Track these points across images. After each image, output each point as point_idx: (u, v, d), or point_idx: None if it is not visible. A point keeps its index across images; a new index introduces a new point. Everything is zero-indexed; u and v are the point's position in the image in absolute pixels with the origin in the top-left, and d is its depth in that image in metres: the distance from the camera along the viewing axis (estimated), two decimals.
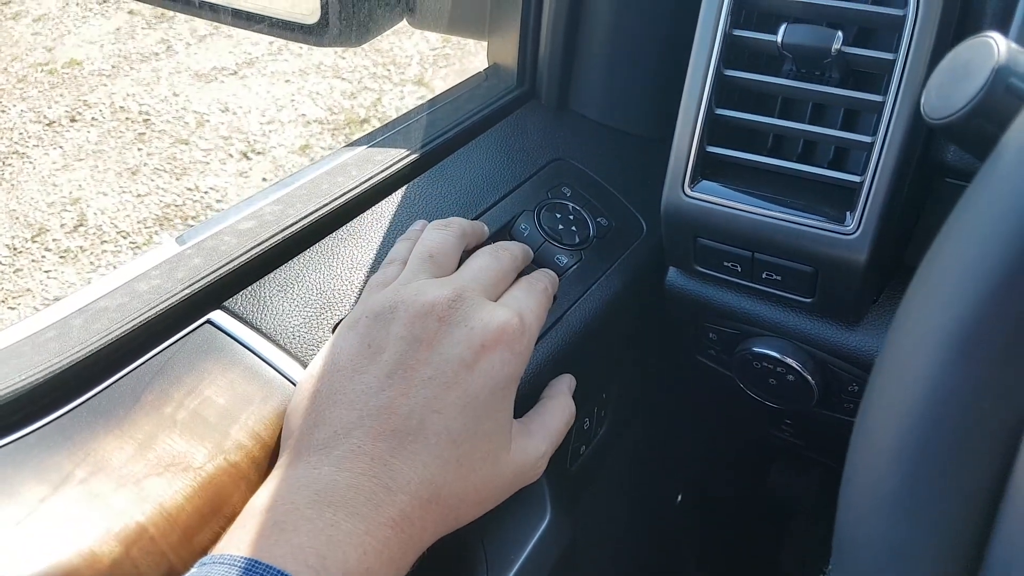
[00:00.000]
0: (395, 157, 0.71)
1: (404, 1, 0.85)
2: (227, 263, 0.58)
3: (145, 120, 3.77)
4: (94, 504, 0.46)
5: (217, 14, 0.81)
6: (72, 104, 4.02)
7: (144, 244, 3.12)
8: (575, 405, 0.60)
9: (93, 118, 3.89)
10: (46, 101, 4.07)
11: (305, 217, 0.63)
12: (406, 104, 3.80)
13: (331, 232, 0.64)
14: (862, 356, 0.63)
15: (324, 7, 0.76)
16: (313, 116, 3.68)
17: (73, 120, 3.92)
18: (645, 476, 0.93)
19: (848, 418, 0.69)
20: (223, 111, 3.73)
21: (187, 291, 0.56)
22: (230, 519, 0.49)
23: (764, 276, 0.62)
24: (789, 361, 0.66)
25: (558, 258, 0.67)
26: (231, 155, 3.48)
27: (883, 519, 0.30)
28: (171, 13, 4.54)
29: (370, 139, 0.74)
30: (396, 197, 0.68)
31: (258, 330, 0.56)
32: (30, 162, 3.70)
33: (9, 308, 3.05)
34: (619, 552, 0.91)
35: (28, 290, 3.07)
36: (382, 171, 0.69)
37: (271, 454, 0.51)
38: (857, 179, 0.57)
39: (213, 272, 0.58)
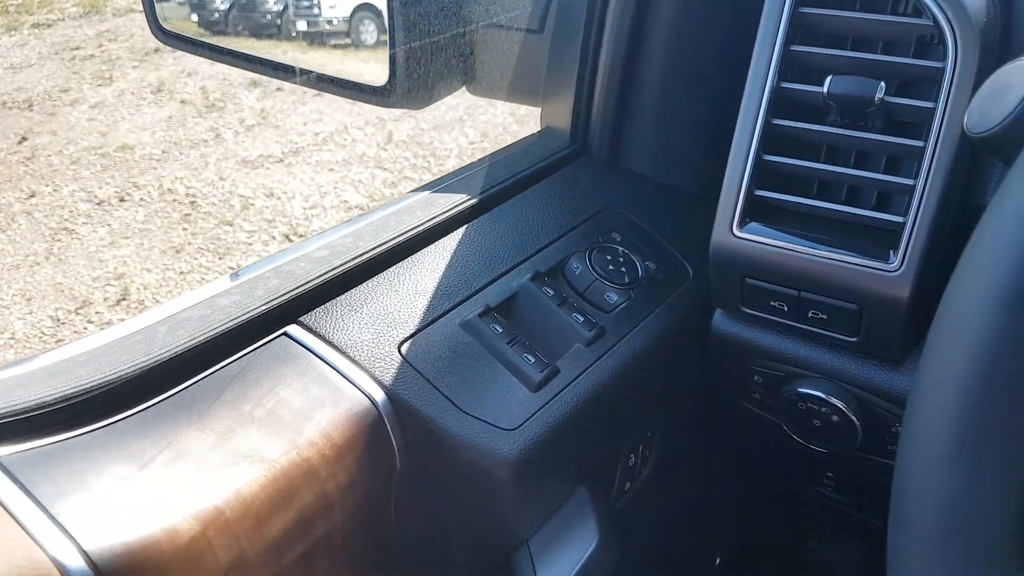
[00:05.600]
0: (455, 201, 0.75)
1: (463, 71, 0.92)
2: (303, 284, 0.62)
3: (192, 202, 3.92)
4: (176, 486, 0.48)
5: (291, 75, 0.88)
6: (122, 185, 4.19)
7: None
8: (622, 439, 0.61)
9: (141, 199, 4.04)
10: (97, 182, 4.25)
11: (375, 248, 0.67)
12: None
13: (398, 262, 0.68)
14: (905, 396, 0.65)
15: (392, 73, 0.82)
16: (355, 202, 3.81)
17: (122, 200, 4.08)
18: (686, 533, 0.93)
19: (891, 462, 0.70)
20: (268, 196, 3.87)
21: (265, 307, 0.60)
22: (299, 512, 0.51)
23: (810, 315, 0.65)
24: (834, 401, 0.68)
25: (608, 295, 0.70)
26: (274, 237, 3.59)
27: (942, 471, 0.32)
28: (221, 104, 4.75)
29: (432, 186, 0.79)
30: (457, 235, 0.72)
31: (330, 343, 0.59)
32: (78, 238, 3.83)
33: None
34: None
35: None
36: (444, 212, 0.73)
37: (339, 454, 0.54)
38: (900, 220, 0.60)
39: (290, 291, 0.61)
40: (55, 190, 4.24)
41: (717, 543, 1.01)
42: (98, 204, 4.13)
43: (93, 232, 3.90)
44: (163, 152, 4.47)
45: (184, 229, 3.81)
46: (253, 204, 3.86)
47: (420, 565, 0.64)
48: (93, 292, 3.50)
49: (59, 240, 3.84)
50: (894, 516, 0.36)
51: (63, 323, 3.43)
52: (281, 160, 4.14)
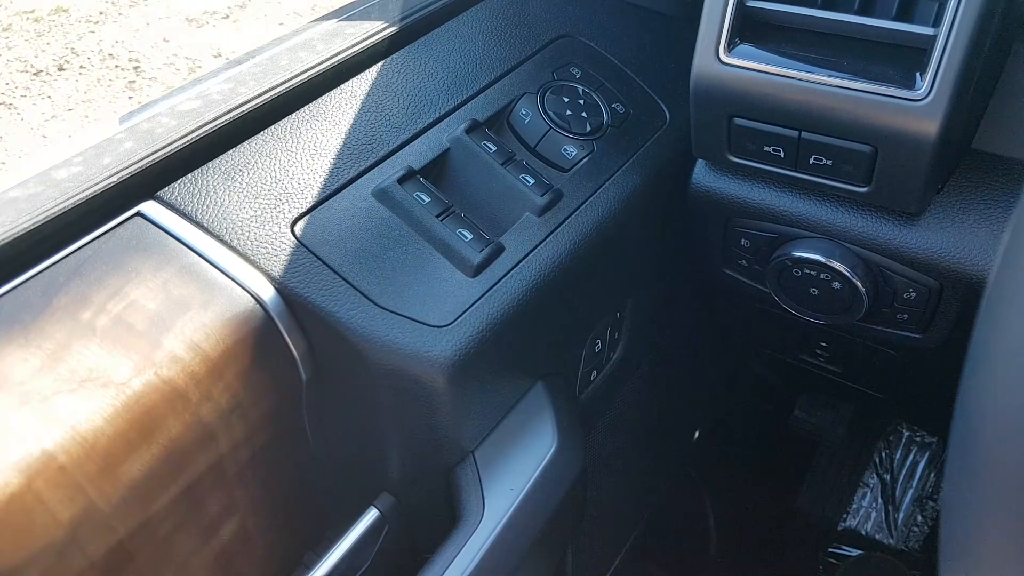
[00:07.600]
0: (370, 30, 0.60)
1: None
2: (163, 147, 0.48)
3: (135, 67, 3.65)
4: None
5: None
6: (60, 52, 3.90)
7: None
8: (586, 323, 0.50)
9: (81, 66, 3.77)
10: (33, 50, 3.95)
11: (259, 96, 0.53)
12: None
13: (290, 113, 0.54)
14: (923, 256, 0.53)
15: None
16: None
17: (61, 69, 3.80)
18: (662, 410, 0.84)
19: (899, 332, 0.59)
20: (215, 56, 3.60)
21: (113, 179, 0.46)
22: (165, 447, 0.40)
23: (812, 161, 0.52)
24: (836, 265, 0.56)
25: (565, 149, 0.57)
26: None
27: None
28: None
29: (341, 13, 0.63)
30: (370, 74, 0.58)
31: (198, 224, 0.46)
32: (18, 113, 3.60)
33: None
34: (633, 488, 0.82)
35: None
36: (354, 45, 0.58)
37: (215, 370, 0.42)
38: (930, 32, 0.46)
39: (146, 158, 0.48)
40: None
41: (696, 417, 0.92)
42: (36, 75, 3.87)
43: (33, 106, 3.66)
44: (100, 13, 4.14)
45: (130, 98, 3.57)
46: (200, 66, 3.60)
47: (349, 487, 0.54)
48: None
49: None
50: (961, 413, 0.27)
51: None
52: (227, 16, 3.84)
